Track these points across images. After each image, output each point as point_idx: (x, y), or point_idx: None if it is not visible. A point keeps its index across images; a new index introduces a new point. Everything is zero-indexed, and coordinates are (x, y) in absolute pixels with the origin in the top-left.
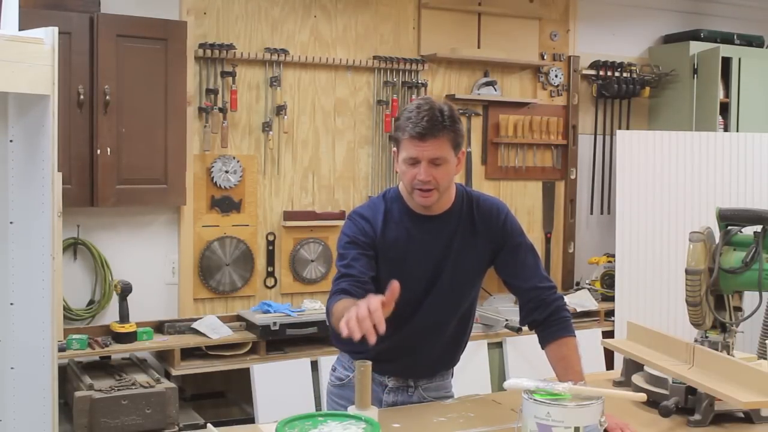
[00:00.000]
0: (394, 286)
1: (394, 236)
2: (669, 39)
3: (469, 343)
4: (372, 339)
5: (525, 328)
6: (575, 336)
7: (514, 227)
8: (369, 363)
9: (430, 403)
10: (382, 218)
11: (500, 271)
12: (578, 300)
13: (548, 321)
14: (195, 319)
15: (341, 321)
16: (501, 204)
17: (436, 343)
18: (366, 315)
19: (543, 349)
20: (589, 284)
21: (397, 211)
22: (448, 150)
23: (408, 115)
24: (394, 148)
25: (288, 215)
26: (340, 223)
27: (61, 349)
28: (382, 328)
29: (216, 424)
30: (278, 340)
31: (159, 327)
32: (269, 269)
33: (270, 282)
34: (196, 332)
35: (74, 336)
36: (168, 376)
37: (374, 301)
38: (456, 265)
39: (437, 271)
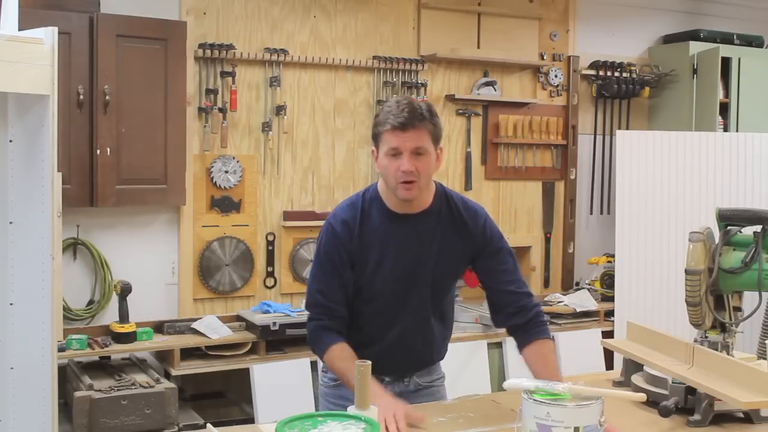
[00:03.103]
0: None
1: (371, 238)
2: (669, 39)
3: (469, 343)
4: None
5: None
6: (553, 340)
7: (493, 232)
8: (369, 363)
9: (430, 403)
10: (359, 219)
11: (480, 274)
12: (578, 300)
13: (528, 325)
14: (195, 319)
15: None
16: (480, 208)
17: (424, 340)
18: (402, 419)
19: (521, 348)
20: (589, 284)
21: (375, 210)
22: (428, 142)
23: (388, 110)
24: (373, 148)
25: (288, 215)
26: None
27: (61, 349)
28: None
29: (216, 424)
30: (278, 340)
31: (159, 327)
32: (269, 269)
33: (270, 282)
34: (196, 332)
35: (74, 336)
36: (168, 376)
37: (399, 412)
38: (436, 264)
39: (417, 270)
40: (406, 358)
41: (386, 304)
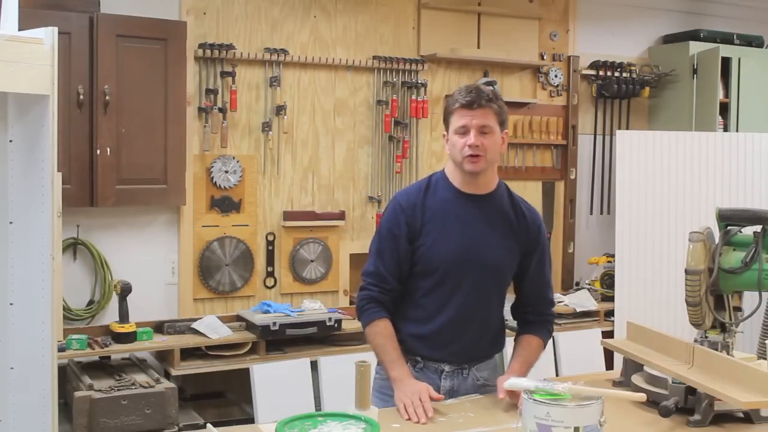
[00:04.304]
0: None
1: (435, 210)
2: (669, 39)
3: None
4: (423, 419)
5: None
6: (545, 345)
7: (545, 238)
8: (368, 363)
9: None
10: (424, 193)
11: (520, 272)
12: (578, 300)
13: (537, 323)
14: (195, 319)
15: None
16: (538, 213)
17: (481, 324)
18: (419, 404)
19: (518, 334)
20: (589, 284)
21: (441, 188)
22: (493, 121)
23: (458, 92)
24: (444, 133)
25: (288, 215)
26: (340, 223)
27: (61, 349)
28: (431, 412)
29: (216, 424)
30: (278, 340)
31: (159, 327)
32: (269, 269)
33: (270, 282)
34: (196, 332)
35: (74, 336)
36: (168, 376)
37: (424, 393)
38: (497, 246)
39: (478, 248)
40: (464, 340)
41: (445, 278)
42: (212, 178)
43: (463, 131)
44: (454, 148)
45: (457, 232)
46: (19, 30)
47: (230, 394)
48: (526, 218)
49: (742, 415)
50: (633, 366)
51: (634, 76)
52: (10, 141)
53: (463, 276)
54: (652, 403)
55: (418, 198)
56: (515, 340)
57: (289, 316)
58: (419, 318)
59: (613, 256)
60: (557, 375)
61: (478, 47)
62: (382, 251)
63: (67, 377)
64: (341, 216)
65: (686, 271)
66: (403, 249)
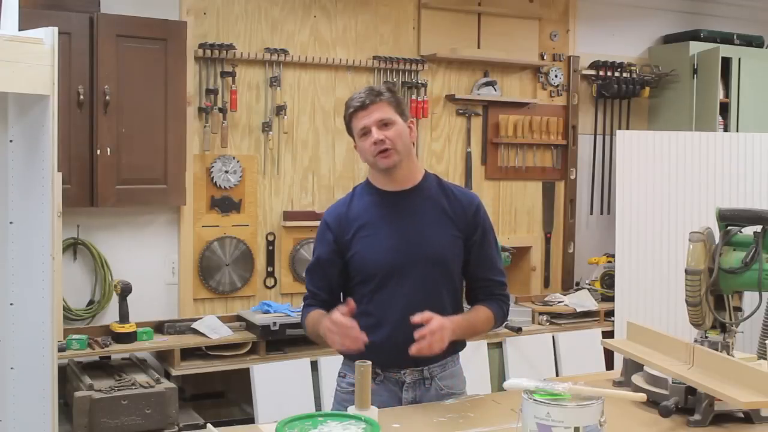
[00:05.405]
0: (351, 306)
1: (361, 216)
2: (669, 39)
3: (469, 343)
4: (360, 342)
5: (525, 328)
6: (497, 321)
7: (485, 218)
8: (369, 363)
9: (429, 403)
10: (349, 203)
11: (464, 256)
12: (578, 300)
13: (487, 299)
14: (195, 319)
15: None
16: (475, 194)
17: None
18: (336, 331)
19: (470, 303)
20: (589, 284)
21: (366, 194)
22: (391, 113)
23: (350, 99)
24: (354, 144)
25: (288, 215)
26: None
27: (61, 349)
28: (356, 333)
29: (216, 424)
30: (278, 341)
31: (159, 327)
32: (269, 269)
33: (270, 282)
34: (196, 332)
35: (74, 336)
36: (168, 376)
37: (336, 316)
38: (431, 236)
39: (411, 242)
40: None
41: (385, 280)
42: (212, 178)
43: (365, 132)
44: (363, 152)
45: (388, 232)
46: (19, 30)
47: (230, 394)
48: (460, 202)
49: (742, 415)
50: (633, 366)
51: (634, 76)
52: (10, 141)
53: (404, 274)
54: (652, 403)
55: (343, 210)
56: (472, 307)
57: (289, 316)
58: (369, 326)
59: (613, 256)
60: (557, 375)
61: (478, 47)
62: (312, 271)
63: (67, 377)
64: None
65: (686, 271)
66: (330, 266)
